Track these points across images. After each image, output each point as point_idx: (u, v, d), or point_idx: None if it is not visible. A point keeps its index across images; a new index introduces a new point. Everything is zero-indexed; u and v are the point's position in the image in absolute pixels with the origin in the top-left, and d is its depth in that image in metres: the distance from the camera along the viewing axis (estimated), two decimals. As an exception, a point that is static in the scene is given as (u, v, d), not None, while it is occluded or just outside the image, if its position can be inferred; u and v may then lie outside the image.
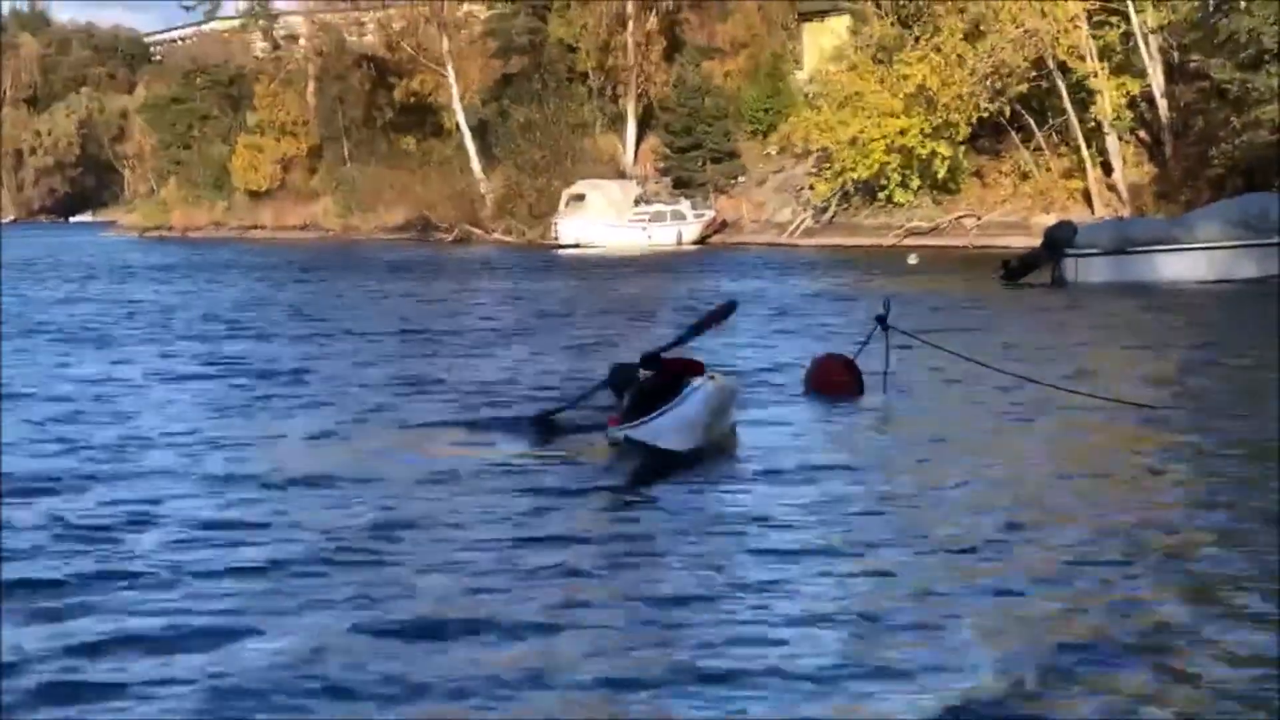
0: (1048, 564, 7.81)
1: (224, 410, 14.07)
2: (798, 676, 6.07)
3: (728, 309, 13.52)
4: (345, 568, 7.85)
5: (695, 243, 57.74)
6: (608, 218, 58.60)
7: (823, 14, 63.42)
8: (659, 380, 11.78)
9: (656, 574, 7.77)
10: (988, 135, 52.66)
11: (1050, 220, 40.23)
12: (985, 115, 50.21)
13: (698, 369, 11.95)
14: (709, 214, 59.79)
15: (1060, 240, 31.98)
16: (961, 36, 49.93)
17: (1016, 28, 48.36)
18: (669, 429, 10.52)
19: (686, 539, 8.53)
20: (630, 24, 66.46)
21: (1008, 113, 50.36)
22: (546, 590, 7.35)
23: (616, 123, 68.53)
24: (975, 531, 8.53)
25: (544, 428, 12.20)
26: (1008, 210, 51.54)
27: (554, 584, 7.47)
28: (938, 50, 50.34)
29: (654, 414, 10.72)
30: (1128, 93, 48.76)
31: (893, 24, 54.70)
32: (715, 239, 58.77)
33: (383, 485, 10.11)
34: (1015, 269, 32.07)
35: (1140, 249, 31.49)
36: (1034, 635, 6.59)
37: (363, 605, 7.11)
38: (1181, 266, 30.82)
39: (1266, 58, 41.88)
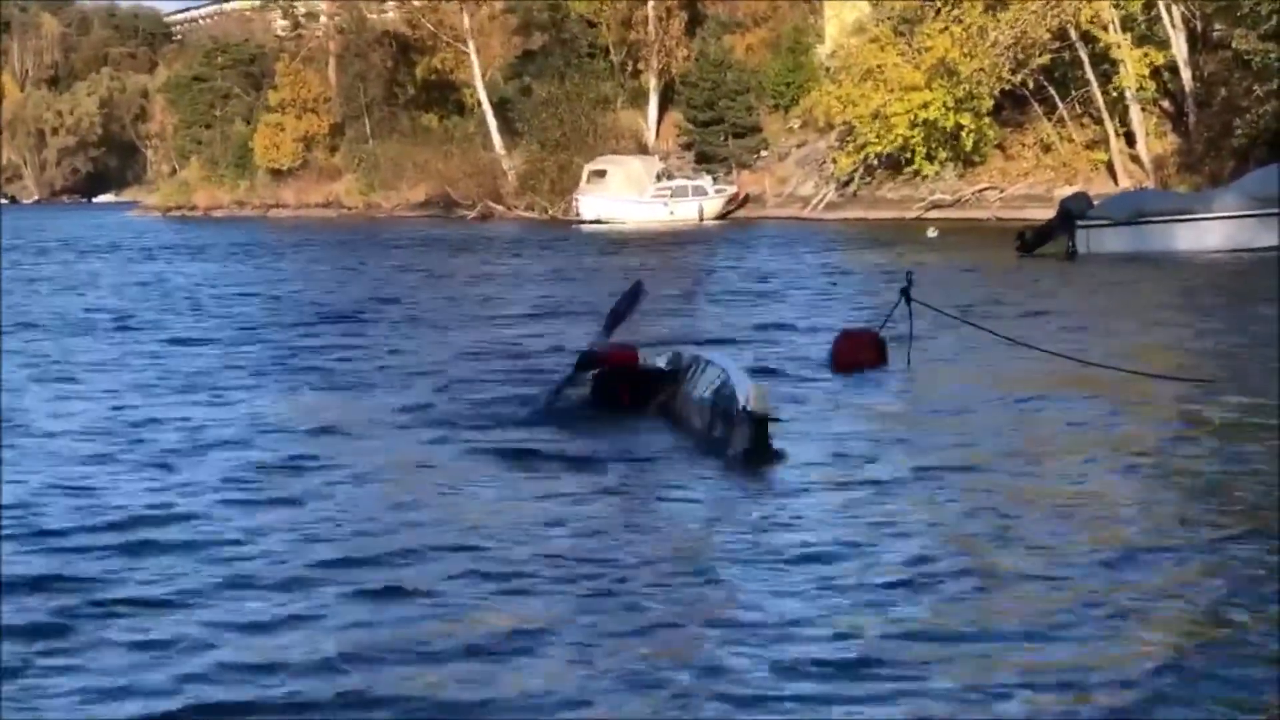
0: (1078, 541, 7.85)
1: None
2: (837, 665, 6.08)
3: (635, 293, 13.35)
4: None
5: (717, 218, 57.70)
6: (629, 193, 58.57)
7: (844, -14, 63.26)
8: (613, 375, 11.82)
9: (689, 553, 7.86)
10: (1010, 107, 52.49)
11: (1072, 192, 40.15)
12: (1008, 87, 50.07)
13: (631, 356, 12.00)
14: (731, 189, 59.75)
15: (1074, 212, 32.01)
16: (983, 8, 49.78)
17: (1039, -2, 48.20)
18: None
19: (716, 520, 8.61)
20: (651, -1, 66.39)
21: (1030, 84, 50.19)
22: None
23: (638, 98, 68.49)
24: (1006, 509, 8.57)
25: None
26: (1031, 182, 51.37)
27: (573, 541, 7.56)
28: (959, 22, 50.21)
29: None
30: (1151, 63, 48.52)
31: (914, -4, 54.51)
32: (738, 214, 58.75)
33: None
34: (1030, 241, 32.11)
35: (1153, 219, 31.40)
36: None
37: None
38: (1195, 237, 30.65)
39: (1288, 28, 41.68)
